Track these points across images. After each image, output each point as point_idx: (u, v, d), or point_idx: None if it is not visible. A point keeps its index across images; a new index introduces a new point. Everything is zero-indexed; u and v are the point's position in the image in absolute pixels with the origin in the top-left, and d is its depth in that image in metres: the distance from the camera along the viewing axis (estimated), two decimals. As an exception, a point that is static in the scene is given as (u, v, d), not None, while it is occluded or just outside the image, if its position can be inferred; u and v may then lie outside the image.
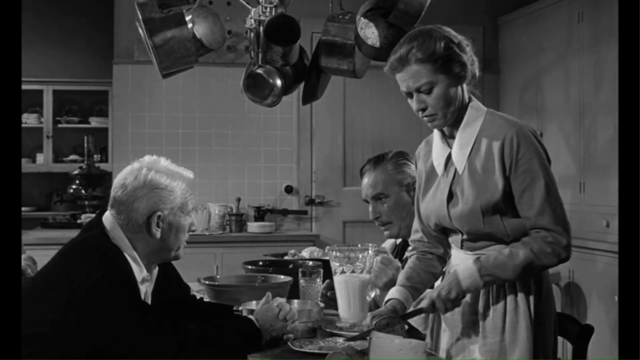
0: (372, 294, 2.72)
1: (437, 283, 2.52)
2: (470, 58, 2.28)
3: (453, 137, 2.33)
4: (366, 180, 2.99)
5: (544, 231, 2.19)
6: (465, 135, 2.29)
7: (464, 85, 2.30)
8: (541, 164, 2.22)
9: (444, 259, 2.47)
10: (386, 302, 2.34)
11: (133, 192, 2.30)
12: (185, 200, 2.36)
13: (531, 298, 2.26)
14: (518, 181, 2.21)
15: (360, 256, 2.62)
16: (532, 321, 2.25)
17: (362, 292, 2.60)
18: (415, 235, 2.51)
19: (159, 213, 2.30)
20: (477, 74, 2.32)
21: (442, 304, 2.22)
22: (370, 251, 2.64)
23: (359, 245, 2.68)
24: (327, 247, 2.77)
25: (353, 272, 2.61)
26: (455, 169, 2.30)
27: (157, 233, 2.32)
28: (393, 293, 2.35)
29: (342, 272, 2.61)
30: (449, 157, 2.33)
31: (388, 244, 3.10)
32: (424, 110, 2.26)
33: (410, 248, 2.53)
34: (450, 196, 2.30)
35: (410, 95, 2.28)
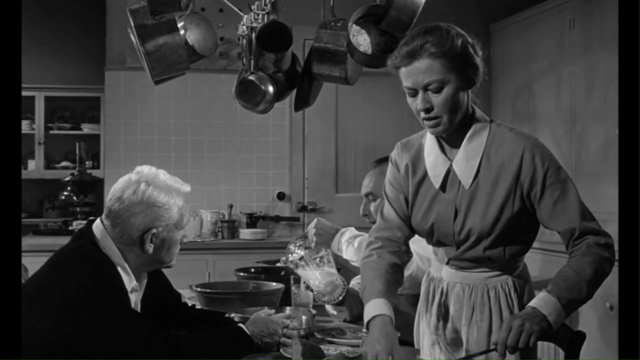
0: (328, 267, 2.85)
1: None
2: (482, 63, 2.19)
3: (452, 146, 2.21)
4: (365, 177, 3.11)
5: (592, 236, 2.11)
6: (472, 147, 2.17)
7: (469, 93, 2.18)
8: (565, 173, 2.15)
9: (404, 264, 2.34)
10: (372, 318, 2.11)
11: (130, 207, 2.28)
12: (181, 217, 2.35)
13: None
14: (547, 194, 2.11)
15: (305, 240, 2.98)
16: None
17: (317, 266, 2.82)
18: (386, 232, 2.33)
19: (154, 230, 2.30)
20: (479, 83, 2.21)
21: (516, 335, 1.96)
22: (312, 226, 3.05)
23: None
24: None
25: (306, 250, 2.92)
26: (460, 183, 2.19)
27: (150, 249, 2.31)
28: (380, 307, 2.12)
29: (301, 257, 2.83)
30: (449, 170, 2.20)
31: None
32: (428, 110, 2.11)
33: (376, 243, 2.34)
34: (455, 213, 2.19)
35: (414, 93, 2.12)
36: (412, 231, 2.36)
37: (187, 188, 2.40)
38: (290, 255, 2.91)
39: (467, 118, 2.19)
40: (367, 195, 3.07)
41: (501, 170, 2.15)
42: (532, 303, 2.04)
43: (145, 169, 2.36)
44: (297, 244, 2.96)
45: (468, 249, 2.20)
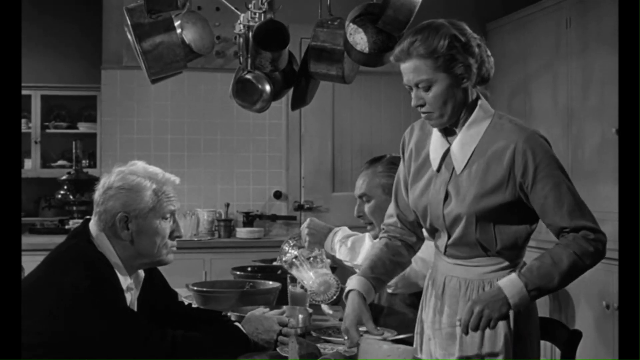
0: (321, 267, 2.85)
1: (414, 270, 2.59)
2: (480, 59, 2.21)
3: (454, 134, 2.26)
4: (359, 178, 3.08)
5: (584, 230, 2.12)
6: (469, 134, 2.22)
7: (470, 87, 2.23)
8: (559, 167, 2.17)
9: (414, 248, 2.43)
10: (346, 293, 2.26)
11: (104, 193, 2.29)
12: (158, 203, 2.30)
13: (511, 314, 2.16)
14: (538, 187, 2.13)
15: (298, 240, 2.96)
16: (512, 337, 2.19)
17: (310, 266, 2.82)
18: (389, 219, 2.45)
19: (124, 214, 2.27)
20: (491, 74, 2.25)
21: (476, 320, 2.07)
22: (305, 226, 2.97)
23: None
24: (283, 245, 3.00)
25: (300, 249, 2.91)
26: (453, 168, 2.23)
27: (124, 235, 2.28)
28: (354, 284, 2.27)
29: (294, 256, 2.83)
30: (446, 153, 2.25)
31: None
32: (421, 106, 2.19)
33: (382, 232, 2.46)
34: (445, 196, 2.23)
35: (410, 89, 2.20)
36: (410, 217, 2.39)
37: (170, 177, 2.36)
38: (283, 255, 2.90)
39: (470, 108, 2.24)
40: (360, 196, 3.03)
41: (493, 159, 2.17)
42: (500, 282, 2.13)
43: (130, 162, 2.37)
44: (291, 244, 2.95)
45: (460, 236, 2.22)
